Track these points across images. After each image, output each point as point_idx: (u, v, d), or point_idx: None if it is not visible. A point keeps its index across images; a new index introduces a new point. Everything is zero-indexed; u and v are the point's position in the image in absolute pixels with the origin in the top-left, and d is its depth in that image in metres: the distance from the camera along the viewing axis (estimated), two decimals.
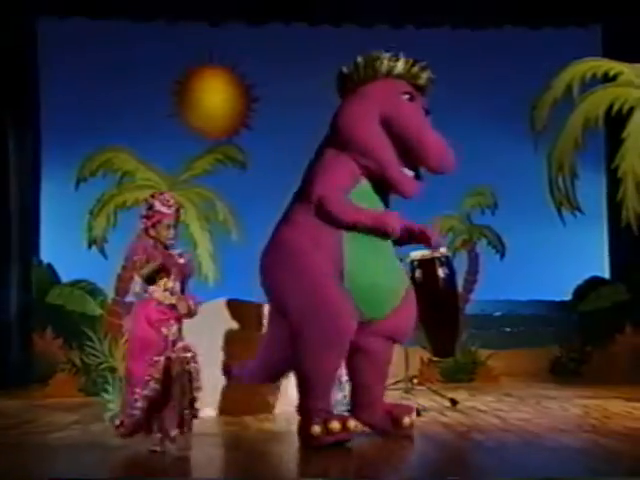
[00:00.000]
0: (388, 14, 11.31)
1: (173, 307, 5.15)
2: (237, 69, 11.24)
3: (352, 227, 5.53)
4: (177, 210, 5.40)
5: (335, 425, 5.35)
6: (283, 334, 5.59)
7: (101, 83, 11.31)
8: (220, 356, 6.98)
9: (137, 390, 5.06)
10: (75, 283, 10.19)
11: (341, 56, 11.16)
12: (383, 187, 5.75)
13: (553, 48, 11.69)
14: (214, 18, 11.41)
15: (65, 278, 10.32)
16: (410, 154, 5.66)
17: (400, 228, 5.62)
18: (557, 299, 11.03)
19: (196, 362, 5.21)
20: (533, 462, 5.04)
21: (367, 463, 5.21)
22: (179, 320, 5.17)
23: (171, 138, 10.56)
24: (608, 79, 8.07)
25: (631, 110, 7.92)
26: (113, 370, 8.78)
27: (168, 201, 5.33)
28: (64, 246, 10.36)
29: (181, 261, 5.28)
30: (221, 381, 6.94)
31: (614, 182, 10.77)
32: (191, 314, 5.22)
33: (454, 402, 7.60)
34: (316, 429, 5.37)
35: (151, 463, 5.09)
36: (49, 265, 10.36)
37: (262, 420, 6.82)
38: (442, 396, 7.75)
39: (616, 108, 7.95)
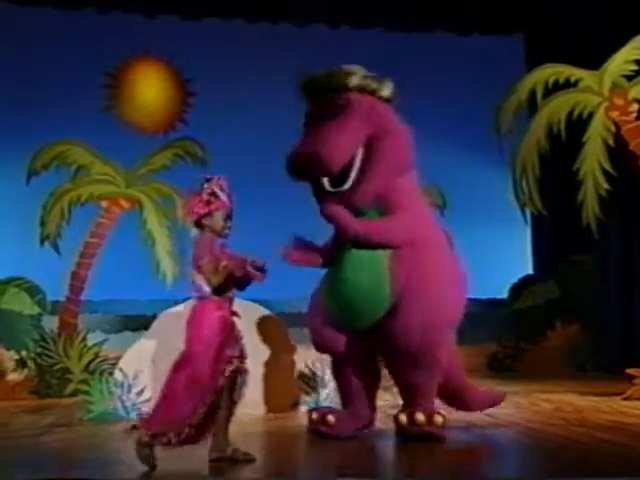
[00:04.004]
0: (325, 13, 11.38)
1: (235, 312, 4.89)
2: (173, 63, 11.02)
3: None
4: (231, 198, 4.91)
5: (420, 417, 5.48)
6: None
7: (27, 74, 10.95)
8: None
9: (207, 396, 4.63)
10: (10, 280, 9.77)
11: (277, 53, 11.29)
12: None
13: (479, 54, 12.06)
14: (149, 9, 11.20)
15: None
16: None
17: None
18: (492, 297, 11.36)
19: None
20: (559, 458, 5.15)
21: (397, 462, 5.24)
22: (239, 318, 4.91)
23: (104, 133, 10.26)
24: (569, 85, 8.33)
25: (591, 115, 8.22)
26: (68, 371, 8.49)
27: (225, 188, 4.86)
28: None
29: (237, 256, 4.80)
30: None
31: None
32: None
33: None
34: (402, 418, 5.56)
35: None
36: None
37: (273, 419, 6.75)
38: None
39: (577, 113, 8.23)
